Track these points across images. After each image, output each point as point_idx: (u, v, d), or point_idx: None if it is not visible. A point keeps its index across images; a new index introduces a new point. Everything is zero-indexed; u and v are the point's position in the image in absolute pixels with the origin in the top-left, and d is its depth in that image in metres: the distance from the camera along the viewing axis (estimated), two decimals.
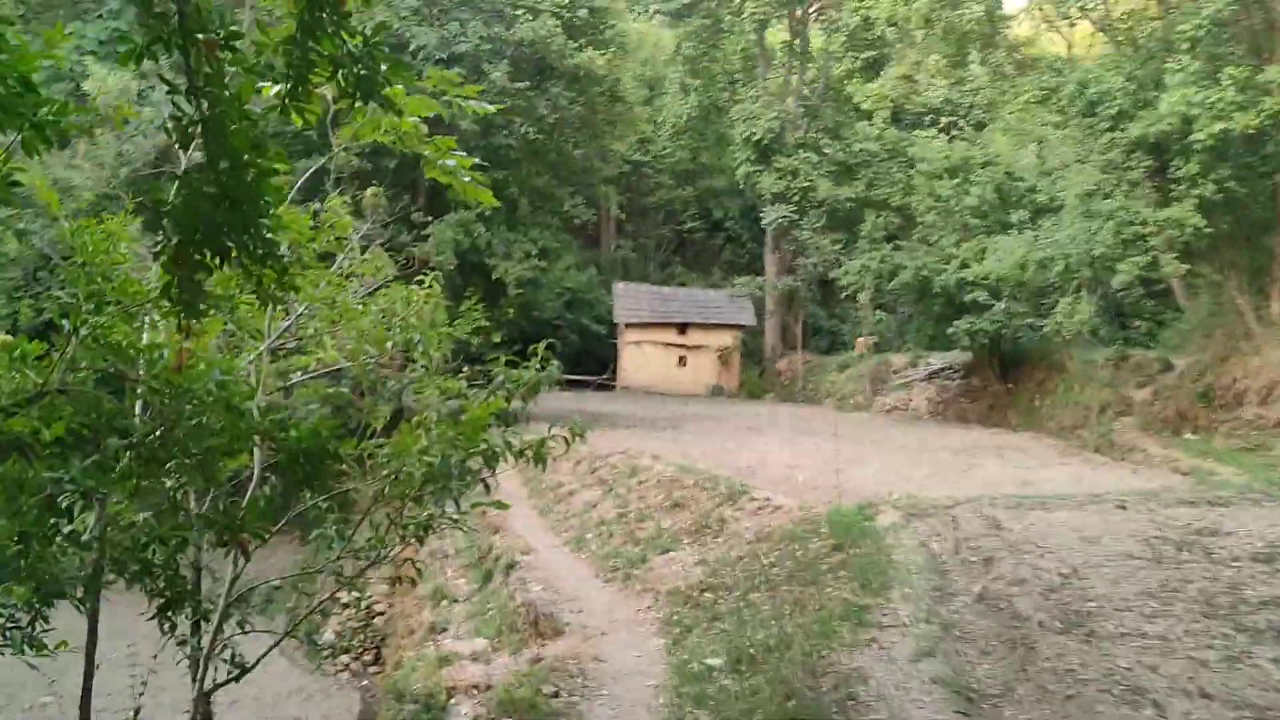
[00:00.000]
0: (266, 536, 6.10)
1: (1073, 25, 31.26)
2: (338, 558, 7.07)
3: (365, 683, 18.72)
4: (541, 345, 7.48)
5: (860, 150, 43.47)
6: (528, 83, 28.63)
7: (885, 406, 37.24)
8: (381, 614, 20.05)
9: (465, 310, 24.63)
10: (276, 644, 7.50)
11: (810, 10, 44.75)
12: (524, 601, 14.26)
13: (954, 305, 30.89)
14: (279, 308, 6.45)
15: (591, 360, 50.02)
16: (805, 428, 30.43)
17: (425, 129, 4.87)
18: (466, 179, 4.94)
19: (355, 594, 21.04)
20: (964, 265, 29.97)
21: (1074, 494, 15.95)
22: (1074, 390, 28.34)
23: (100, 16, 32.50)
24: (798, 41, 44.67)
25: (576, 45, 33.20)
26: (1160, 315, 33.36)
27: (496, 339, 24.83)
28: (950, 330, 30.50)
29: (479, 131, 24.23)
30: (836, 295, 54.29)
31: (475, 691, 10.87)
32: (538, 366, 7.49)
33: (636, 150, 52.69)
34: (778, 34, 47.83)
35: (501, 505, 6.97)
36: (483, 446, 6.60)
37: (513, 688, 10.34)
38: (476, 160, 4.97)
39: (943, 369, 36.63)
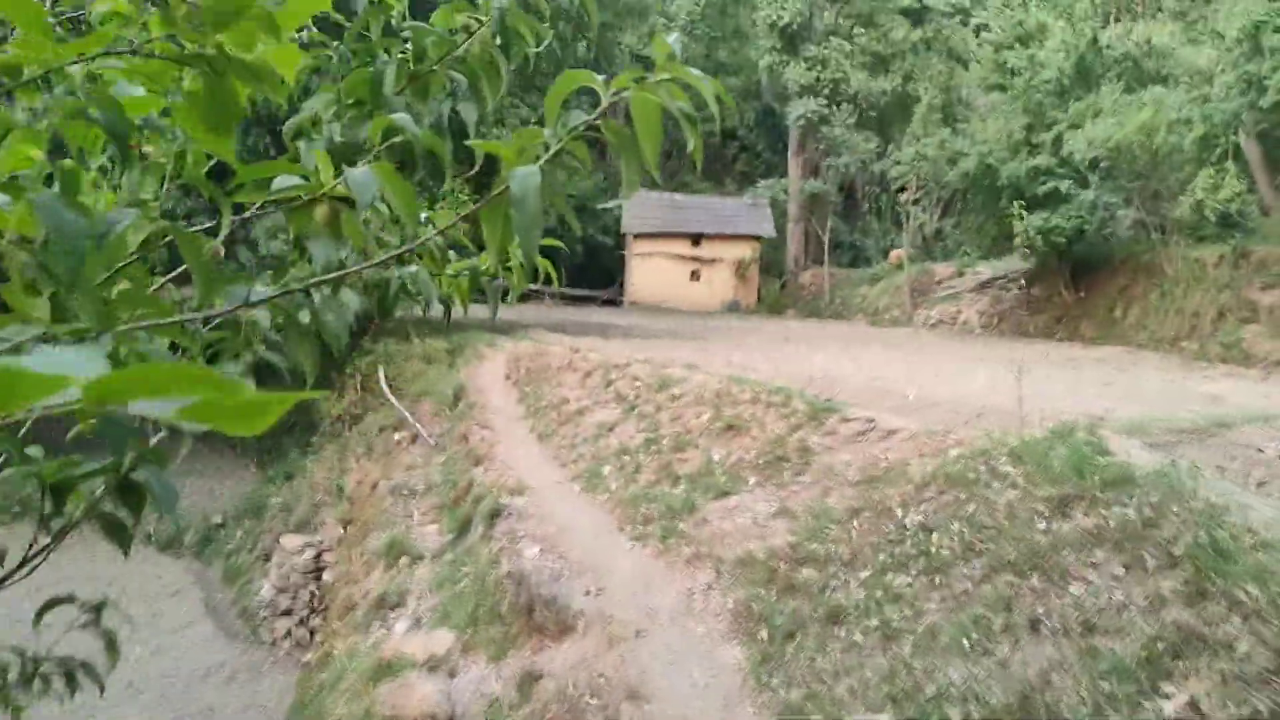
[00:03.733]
0: None
1: None
2: None
3: (309, 658, 13.48)
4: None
5: (901, 39, 37.49)
6: None
7: (929, 321, 31.73)
8: (330, 565, 14.82)
9: (447, 192, 17.96)
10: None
11: None
12: (512, 571, 8.95)
13: (1024, 198, 25.29)
14: None
15: (597, 273, 44.44)
16: (852, 338, 25.02)
17: None
18: None
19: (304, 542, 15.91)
20: (1037, 148, 24.37)
21: None
22: (1175, 295, 22.89)
23: None
24: None
25: None
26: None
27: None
28: (1020, 230, 24.89)
29: None
30: (859, 207, 48.77)
31: None
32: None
33: (646, 45, 46.37)
34: None
35: None
36: None
37: None
38: None
39: (996, 278, 31.09)
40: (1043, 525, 6.28)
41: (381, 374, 20.51)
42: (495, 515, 11.00)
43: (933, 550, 6.80)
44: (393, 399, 18.95)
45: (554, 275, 3.01)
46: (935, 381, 13.82)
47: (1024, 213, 24.58)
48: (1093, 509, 6.09)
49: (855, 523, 7.98)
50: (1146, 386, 13.83)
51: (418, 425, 17.28)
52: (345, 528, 14.48)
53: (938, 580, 6.48)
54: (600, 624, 7.77)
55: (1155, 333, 23.20)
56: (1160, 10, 28.74)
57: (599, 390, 15.55)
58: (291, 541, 15.57)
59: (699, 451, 11.42)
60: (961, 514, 7.06)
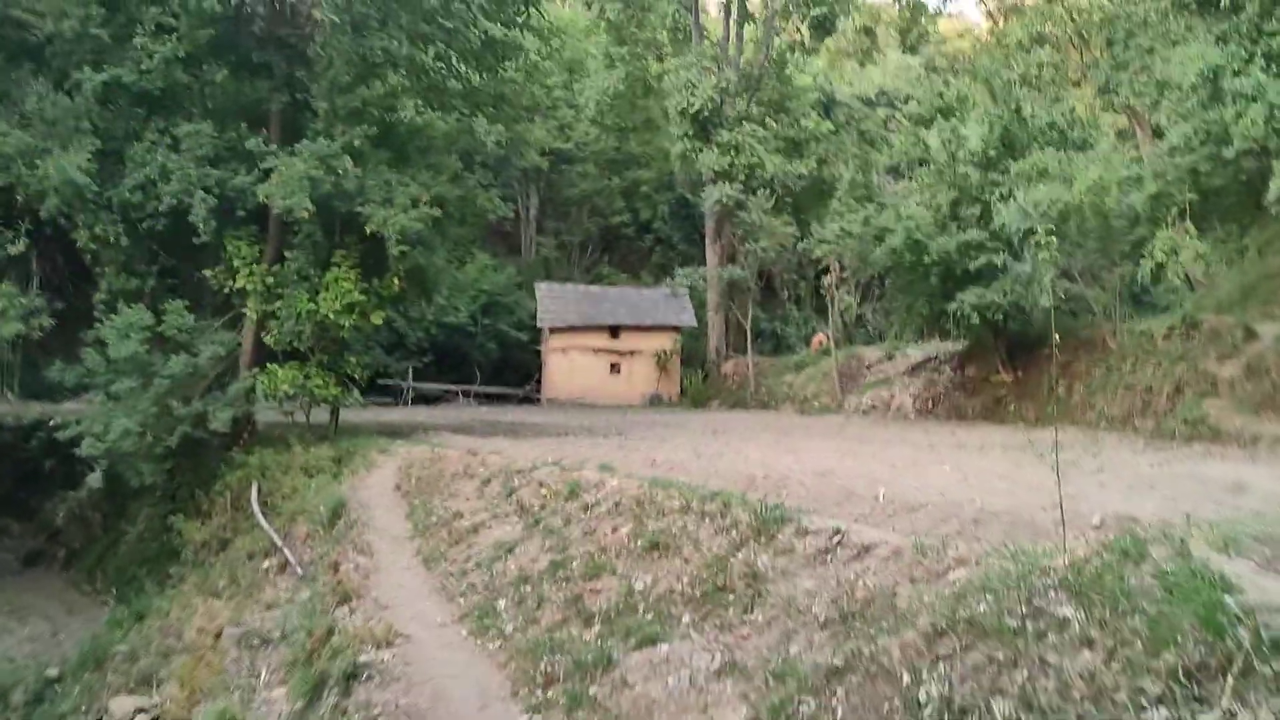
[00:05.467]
0: None
1: None
2: None
3: None
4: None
5: (813, 126, 36.37)
6: None
7: (860, 407, 29.70)
8: None
9: (329, 280, 15.10)
10: None
11: None
12: None
13: (955, 275, 23.61)
14: None
15: (512, 371, 41.94)
16: (784, 428, 22.76)
17: None
18: None
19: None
20: (964, 222, 22.83)
21: None
22: (1122, 371, 21.15)
23: None
24: (735, 2, 37.30)
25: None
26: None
27: (378, 320, 16.57)
28: (953, 307, 23.10)
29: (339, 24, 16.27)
30: (778, 295, 47.28)
31: None
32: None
33: (557, 137, 44.81)
34: None
35: None
36: None
37: None
38: None
39: (928, 360, 29.32)
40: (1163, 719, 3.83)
41: (255, 490, 17.53)
42: (352, 678, 8.21)
43: None
44: (262, 520, 16.00)
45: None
46: (895, 476, 11.48)
47: (956, 290, 22.89)
48: (1253, 691, 3.68)
49: (840, 691, 5.45)
50: (1138, 474, 11.67)
51: (286, 551, 14.36)
52: (181, 688, 11.42)
53: None
54: None
55: (1105, 411, 21.34)
56: (1082, 80, 27.92)
57: (499, 501, 12.88)
58: (122, 705, 12.41)
59: (616, 579, 8.82)
60: (1007, 687, 4.59)
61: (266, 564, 15.22)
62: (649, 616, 7.87)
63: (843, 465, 12.92)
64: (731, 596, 7.59)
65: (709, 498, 9.36)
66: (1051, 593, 5.04)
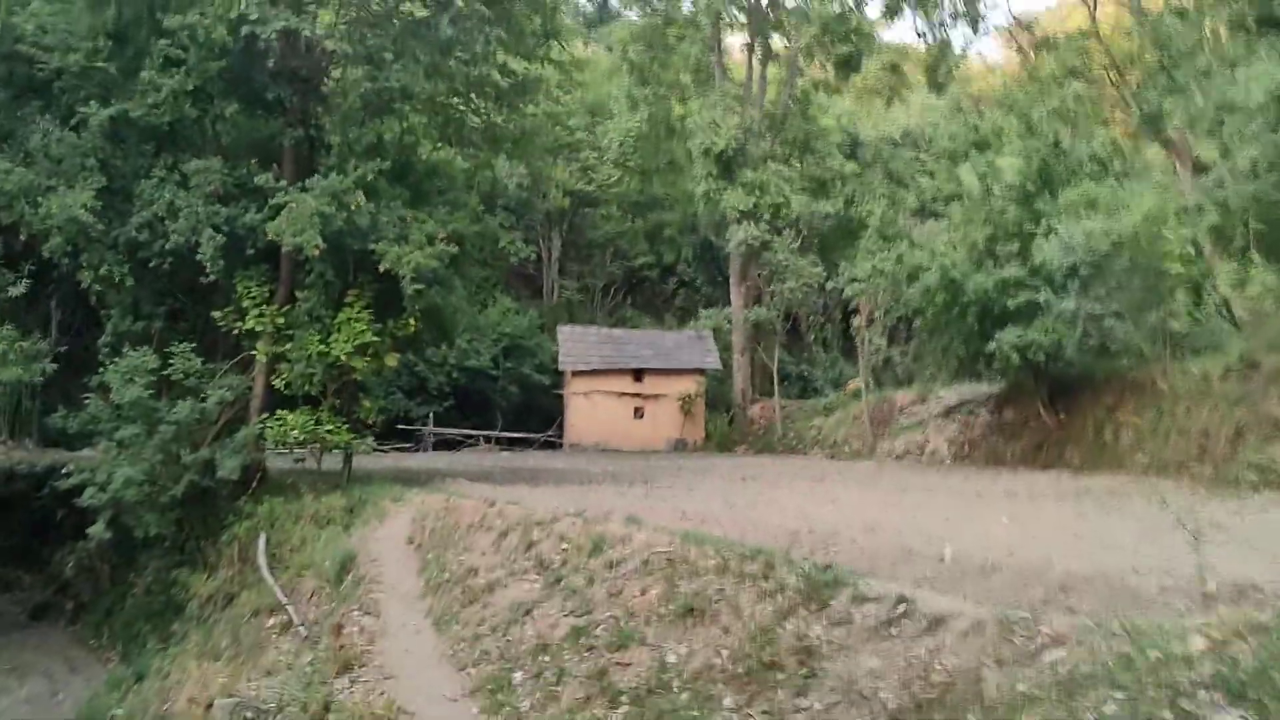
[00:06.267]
0: None
1: None
2: None
3: None
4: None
5: (839, 166, 35.60)
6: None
7: (893, 452, 28.53)
8: None
9: (342, 321, 13.86)
10: None
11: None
12: None
13: (991, 317, 22.52)
14: None
15: (534, 415, 40.93)
16: (818, 475, 21.63)
17: None
18: None
19: None
20: (1001, 259, 21.80)
21: None
22: (1176, 414, 19.93)
23: None
24: (759, 41, 36.71)
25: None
26: None
27: (392, 362, 15.63)
28: (991, 347, 21.97)
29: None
30: (803, 338, 46.19)
31: None
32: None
33: (580, 179, 44.20)
34: (736, 35, 40.07)
35: None
36: None
37: None
38: None
39: (963, 403, 28.12)
40: None
41: (262, 542, 16.57)
42: None
43: None
44: (267, 575, 15.04)
45: None
46: (951, 530, 10.39)
47: (995, 330, 21.82)
48: None
49: None
50: (1220, 526, 10.44)
51: (290, 609, 13.36)
52: None
53: None
54: None
55: (1157, 457, 20.08)
56: (1116, 114, 27.00)
57: (517, 555, 11.84)
58: None
59: (646, 650, 7.77)
60: None
61: (271, 622, 14.23)
62: (684, 697, 6.82)
63: (889, 517, 11.83)
64: (781, 675, 6.52)
65: (749, 556, 8.30)
66: (1203, 692, 3.96)
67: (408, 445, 36.39)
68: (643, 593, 8.92)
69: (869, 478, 21.18)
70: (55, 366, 17.88)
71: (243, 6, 15.21)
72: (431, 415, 37.97)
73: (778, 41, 38.16)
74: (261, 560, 15.81)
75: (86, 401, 16.98)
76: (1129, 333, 19.59)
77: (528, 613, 9.88)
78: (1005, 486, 17.88)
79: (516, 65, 19.43)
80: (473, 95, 20.04)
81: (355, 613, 11.62)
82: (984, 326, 22.96)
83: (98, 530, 16.68)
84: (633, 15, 41.82)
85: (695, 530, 10.25)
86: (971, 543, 9.04)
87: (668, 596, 8.46)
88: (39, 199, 15.73)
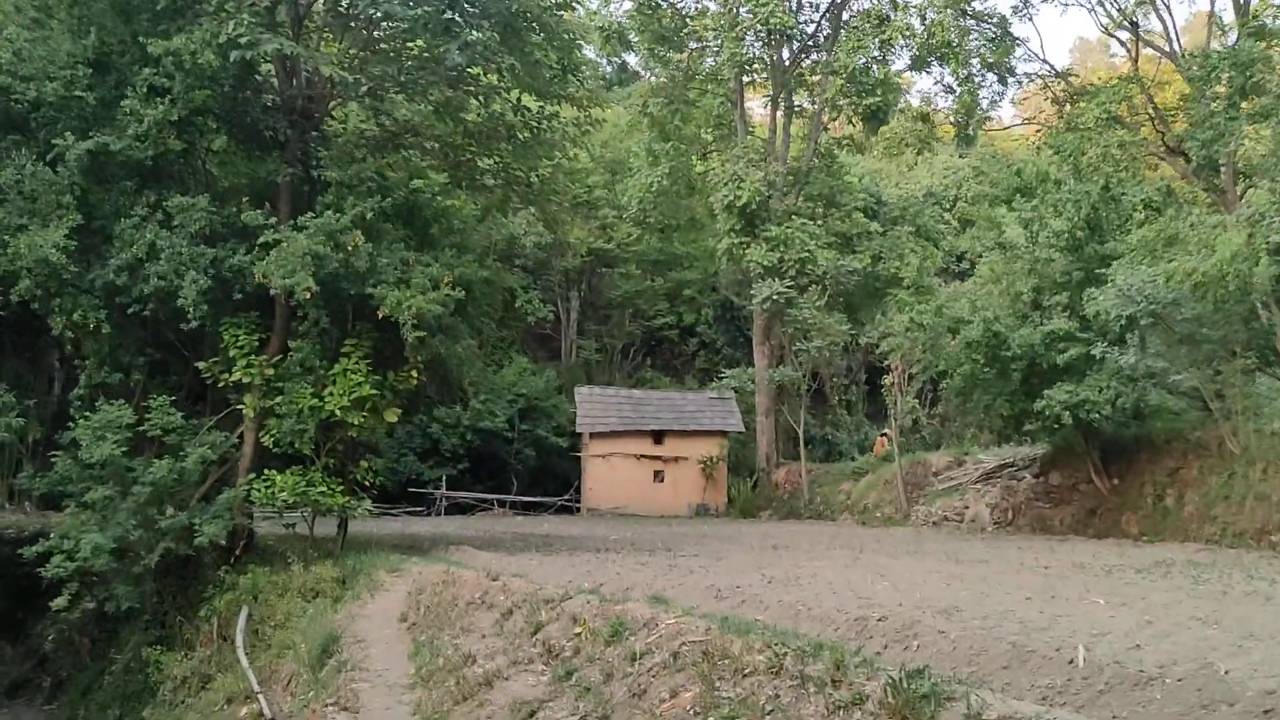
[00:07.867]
0: None
1: None
2: None
3: None
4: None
5: (862, 219, 34.10)
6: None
7: (930, 518, 26.49)
8: None
9: (337, 373, 11.50)
10: None
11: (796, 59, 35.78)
12: None
13: (1037, 373, 20.71)
14: None
15: (551, 478, 39.00)
16: (855, 544, 19.61)
17: None
18: None
19: None
20: (1047, 311, 20.07)
21: None
22: (1249, 477, 17.96)
23: None
24: (782, 94, 35.47)
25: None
26: None
27: (391, 418, 13.85)
28: (1040, 405, 20.11)
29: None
30: (828, 399, 44.30)
31: None
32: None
33: (598, 238, 42.85)
34: (757, 89, 38.90)
35: None
36: None
37: None
38: None
39: (1004, 466, 26.13)
40: None
41: (242, 618, 14.72)
42: None
43: None
44: (242, 657, 13.16)
45: None
46: (1041, 613, 8.47)
47: (1043, 387, 20.00)
48: None
49: None
50: None
51: (262, 700, 11.49)
52: None
53: None
54: None
55: (1230, 525, 18.11)
56: (1159, 161, 25.42)
57: (521, 640, 9.97)
58: None
59: None
60: None
61: (244, 712, 12.35)
62: None
63: (959, 596, 9.90)
64: None
65: (810, 652, 6.43)
66: None
67: (419, 509, 34.54)
68: (673, 695, 7.06)
69: (911, 547, 19.18)
70: (22, 422, 16.25)
71: (231, 30, 13.83)
72: (444, 478, 36.13)
73: (802, 95, 36.96)
74: (239, 639, 13.96)
75: (52, 461, 15.33)
76: (1199, 388, 17.74)
77: (531, 715, 8.01)
78: (1068, 558, 15.85)
79: (531, 103, 18.00)
80: (487, 137, 18.63)
81: (330, 708, 9.74)
82: (1029, 383, 21.18)
83: (60, 604, 14.93)
84: (651, 77, 40.93)
85: (734, 615, 8.38)
86: (1085, 633, 7.14)
87: (706, 704, 6.59)
88: (6, 239, 14.28)
